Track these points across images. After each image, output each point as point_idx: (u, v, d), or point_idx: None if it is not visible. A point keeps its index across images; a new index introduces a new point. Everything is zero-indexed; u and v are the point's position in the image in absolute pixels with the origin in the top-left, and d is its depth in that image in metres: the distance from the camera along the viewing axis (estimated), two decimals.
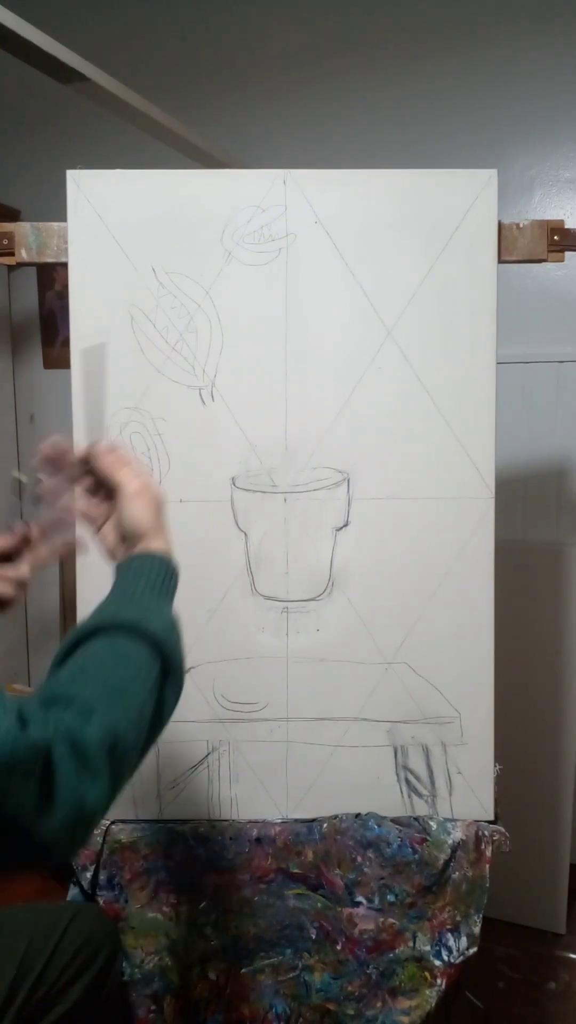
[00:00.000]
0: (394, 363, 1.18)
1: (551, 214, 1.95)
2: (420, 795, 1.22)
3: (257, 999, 1.18)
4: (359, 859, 1.17)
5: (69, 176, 1.17)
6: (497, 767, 1.22)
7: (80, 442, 1.18)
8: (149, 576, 0.81)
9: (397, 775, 1.22)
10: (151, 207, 1.17)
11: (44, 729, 0.61)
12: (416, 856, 1.16)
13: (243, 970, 1.19)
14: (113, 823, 1.21)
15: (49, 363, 2.50)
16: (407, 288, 1.17)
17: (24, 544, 0.92)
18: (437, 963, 1.15)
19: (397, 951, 1.16)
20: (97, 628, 0.73)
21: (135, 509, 0.85)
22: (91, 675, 0.69)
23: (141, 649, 0.72)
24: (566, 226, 1.19)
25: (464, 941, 1.15)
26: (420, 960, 1.15)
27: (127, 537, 0.85)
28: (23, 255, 1.20)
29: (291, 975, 1.18)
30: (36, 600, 2.62)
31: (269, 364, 1.18)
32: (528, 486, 2.00)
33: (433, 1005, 1.14)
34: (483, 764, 1.21)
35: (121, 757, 0.65)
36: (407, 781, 1.22)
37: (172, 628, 0.77)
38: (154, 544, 0.84)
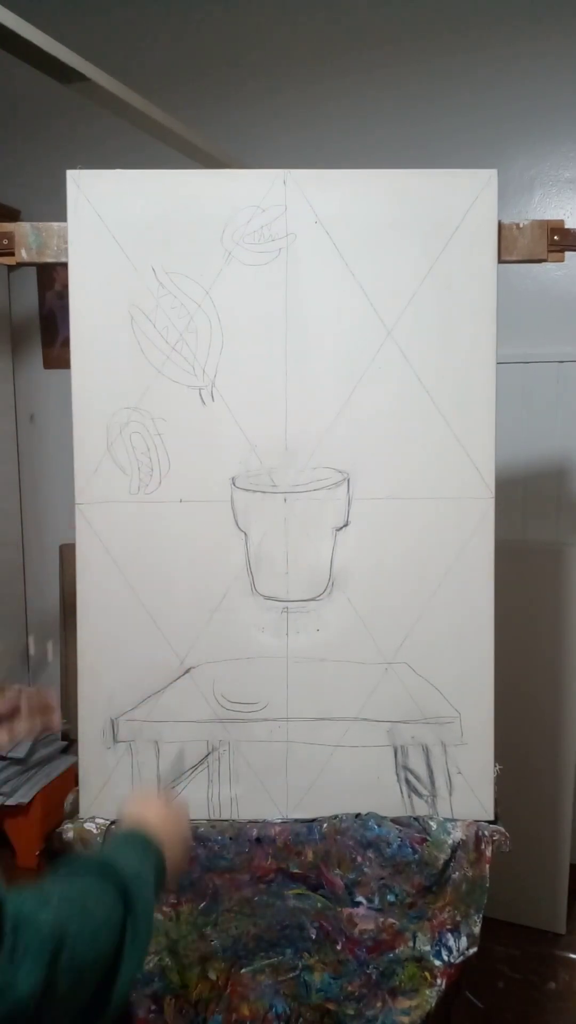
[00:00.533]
0: (394, 363, 1.18)
1: (551, 214, 1.95)
2: (420, 795, 1.22)
3: (257, 999, 1.18)
4: (359, 859, 1.17)
5: (69, 176, 1.17)
6: (497, 767, 1.22)
7: (80, 450, 1.19)
8: (134, 843, 0.84)
9: (397, 775, 1.22)
10: (151, 207, 1.17)
11: (14, 904, 0.61)
12: (416, 856, 1.16)
13: (243, 970, 1.19)
14: (113, 823, 1.21)
15: (49, 363, 2.50)
16: (407, 288, 1.17)
17: (12, 712, 1.00)
18: (437, 963, 1.15)
19: (397, 951, 1.16)
20: (72, 868, 0.76)
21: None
22: (57, 885, 0.71)
23: (108, 887, 0.72)
24: (566, 226, 1.19)
25: (464, 941, 1.15)
26: (420, 960, 1.15)
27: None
28: (23, 255, 1.20)
29: (291, 975, 1.18)
30: (36, 600, 2.62)
31: (269, 364, 1.18)
32: (528, 486, 2.00)
33: (433, 1005, 1.14)
34: (483, 764, 1.21)
35: (64, 967, 0.61)
36: (407, 781, 1.22)
37: (139, 875, 0.77)
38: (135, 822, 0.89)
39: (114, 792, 1.21)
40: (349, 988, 1.16)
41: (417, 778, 1.22)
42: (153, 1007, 1.18)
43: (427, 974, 1.15)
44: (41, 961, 0.59)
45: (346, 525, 1.20)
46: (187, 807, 0.97)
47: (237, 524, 1.20)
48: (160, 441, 1.19)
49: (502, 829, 1.18)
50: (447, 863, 1.15)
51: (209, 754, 1.23)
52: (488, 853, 1.17)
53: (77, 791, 1.23)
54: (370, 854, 1.17)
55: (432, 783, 1.22)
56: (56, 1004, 0.60)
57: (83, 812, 1.22)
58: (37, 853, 2.23)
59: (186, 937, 1.19)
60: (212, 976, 1.19)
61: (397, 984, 1.15)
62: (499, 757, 1.22)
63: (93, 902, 0.69)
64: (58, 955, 0.60)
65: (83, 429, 1.19)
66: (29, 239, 1.20)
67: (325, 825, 1.19)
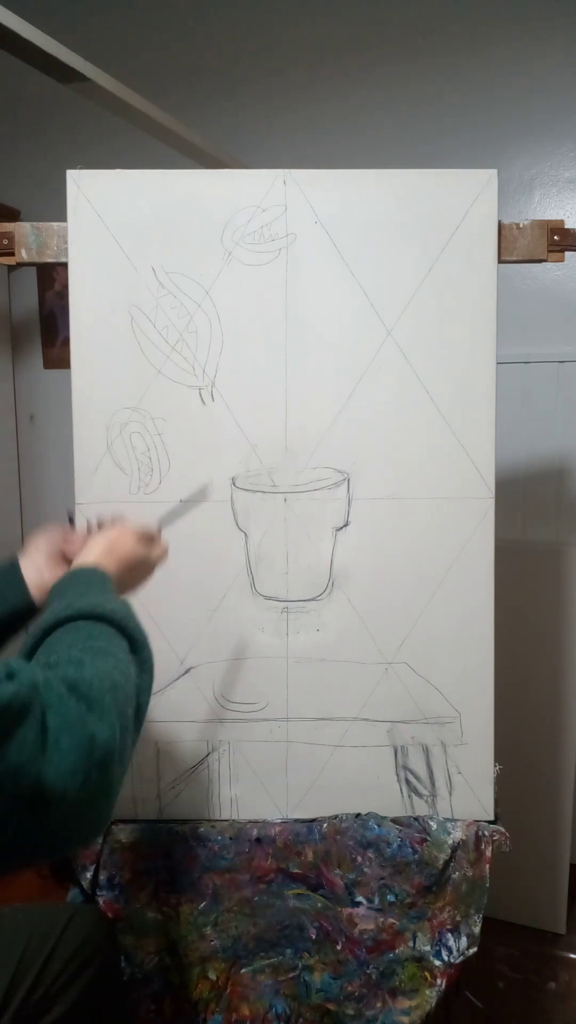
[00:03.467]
0: (394, 363, 1.18)
1: (551, 214, 1.95)
2: (420, 795, 1.22)
3: (257, 999, 1.18)
4: (359, 859, 1.17)
5: (69, 176, 1.17)
6: (497, 767, 1.22)
7: (80, 450, 1.19)
8: (90, 579, 0.86)
9: (397, 775, 1.22)
10: (151, 207, 1.17)
11: (32, 675, 0.61)
12: (416, 856, 1.16)
13: (243, 970, 1.19)
14: (113, 823, 1.21)
15: (49, 363, 2.50)
16: (407, 288, 1.17)
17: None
18: (437, 963, 1.15)
19: (397, 951, 1.16)
20: (57, 622, 0.75)
21: (89, 548, 0.93)
22: (70, 643, 0.72)
23: (106, 627, 0.75)
24: (566, 226, 1.19)
25: (464, 941, 1.15)
26: (420, 960, 1.15)
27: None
28: (23, 255, 1.20)
29: (291, 975, 1.18)
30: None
31: (269, 364, 1.18)
32: (528, 486, 2.00)
33: (433, 1005, 1.14)
34: (483, 764, 1.21)
35: (123, 706, 0.66)
36: (407, 781, 1.22)
37: (127, 610, 0.80)
38: (84, 561, 0.91)
39: None
40: (349, 988, 1.16)
41: (417, 778, 1.22)
42: (153, 1007, 1.18)
43: (427, 974, 1.15)
44: (108, 708, 0.63)
45: (346, 525, 1.20)
46: (127, 523, 1.00)
47: (237, 524, 1.20)
48: (160, 441, 1.20)
49: (502, 829, 1.18)
50: (447, 863, 1.15)
51: (209, 754, 1.23)
52: (488, 853, 1.17)
53: None
54: (370, 854, 1.17)
55: (432, 783, 1.22)
56: (125, 738, 0.66)
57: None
58: None
59: (186, 937, 1.19)
60: (212, 976, 1.19)
61: (397, 984, 1.15)
62: (499, 757, 1.22)
63: (109, 644, 0.72)
64: (117, 699, 0.65)
65: (83, 429, 1.19)
66: (29, 239, 1.20)
67: (325, 825, 1.19)
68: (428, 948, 1.15)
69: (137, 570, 0.95)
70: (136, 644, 0.77)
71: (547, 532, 1.99)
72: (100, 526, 1.03)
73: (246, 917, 1.19)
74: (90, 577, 0.86)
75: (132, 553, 0.94)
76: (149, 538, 1.00)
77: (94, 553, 0.91)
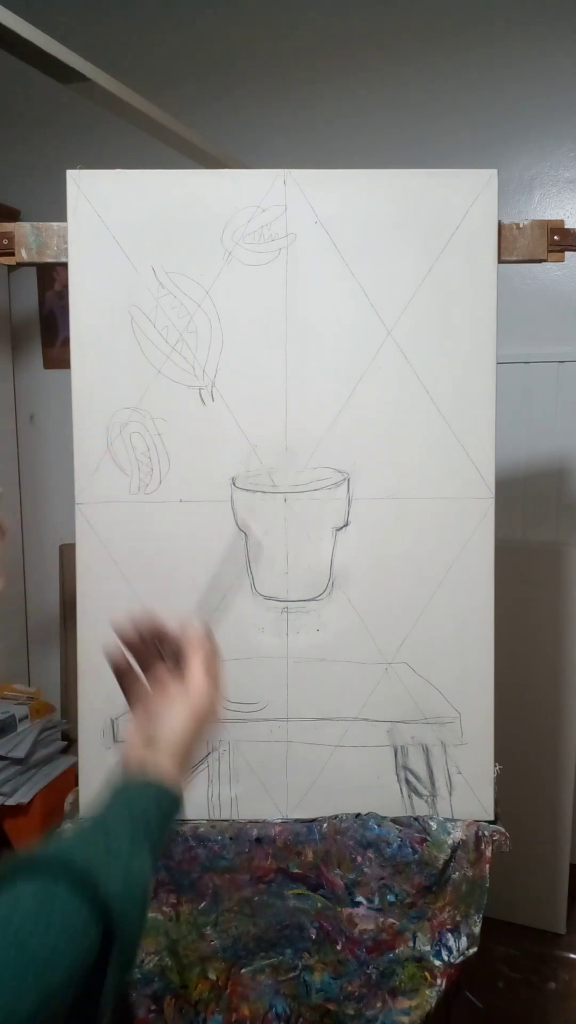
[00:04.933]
0: (394, 363, 1.18)
1: (551, 214, 1.95)
2: (420, 795, 1.22)
3: (257, 999, 1.18)
4: (359, 859, 1.17)
5: (69, 176, 1.17)
6: (497, 767, 1.22)
7: (80, 450, 1.18)
8: (146, 812, 0.64)
9: (397, 775, 1.22)
10: (151, 207, 1.17)
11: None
12: (416, 856, 1.16)
13: (243, 970, 1.19)
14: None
15: (49, 363, 2.50)
16: (407, 288, 1.17)
17: None
18: (437, 963, 1.15)
19: (397, 951, 1.16)
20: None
21: (178, 716, 0.72)
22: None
23: (73, 898, 0.53)
24: (566, 226, 1.19)
25: (464, 941, 1.15)
26: (420, 960, 1.15)
27: (150, 740, 0.72)
28: (23, 255, 1.20)
29: (291, 975, 1.18)
30: (36, 600, 2.62)
31: (269, 364, 1.18)
32: (528, 486, 2.00)
33: (433, 1005, 1.14)
34: (483, 764, 1.21)
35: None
36: (407, 781, 1.22)
37: (134, 888, 0.58)
38: (167, 769, 0.69)
39: None
40: (349, 988, 1.16)
41: (417, 778, 1.22)
42: (153, 1007, 1.18)
43: (427, 974, 1.15)
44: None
45: (346, 525, 1.20)
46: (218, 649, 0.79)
47: (237, 524, 1.20)
48: (160, 441, 1.19)
49: (502, 829, 1.18)
50: (447, 863, 1.15)
51: (209, 754, 1.23)
52: (488, 853, 1.17)
53: (77, 791, 1.23)
54: (370, 854, 1.17)
55: (432, 783, 1.22)
56: None
57: (83, 812, 1.21)
58: None
59: (186, 937, 1.19)
60: (212, 976, 1.19)
61: (397, 984, 1.15)
62: (499, 757, 1.22)
63: (56, 933, 0.50)
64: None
65: (83, 429, 1.19)
66: (29, 239, 1.20)
67: (325, 825, 1.19)
68: (428, 948, 1.15)
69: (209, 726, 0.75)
70: (113, 937, 0.53)
71: (547, 532, 1.99)
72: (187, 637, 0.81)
73: (246, 917, 1.19)
74: (147, 808, 0.65)
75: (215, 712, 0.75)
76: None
77: (180, 754, 0.70)
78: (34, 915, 0.50)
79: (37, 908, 0.50)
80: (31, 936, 0.49)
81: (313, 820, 1.21)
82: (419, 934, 1.16)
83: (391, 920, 1.16)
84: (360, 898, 1.17)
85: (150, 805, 0.65)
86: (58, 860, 0.55)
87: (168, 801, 0.67)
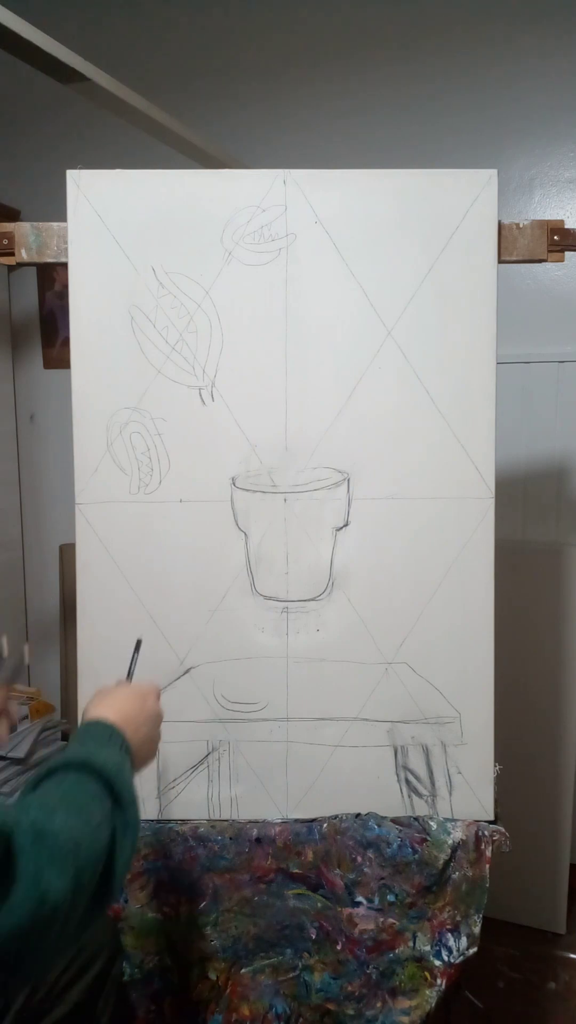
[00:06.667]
0: (394, 363, 1.18)
1: (551, 214, 1.95)
2: (420, 795, 1.22)
3: (257, 999, 1.18)
4: (359, 859, 1.17)
5: (69, 176, 1.17)
6: (497, 767, 1.22)
7: (80, 450, 1.18)
8: (96, 733, 0.86)
9: (397, 775, 1.22)
10: (151, 207, 1.17)
11: (4, 816, 0.62)
12: (416, 856, 1.16)
13: (243, 970, 1.19)
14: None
15: (49, 363, 2.50)
16: (407, 288, 1.17)
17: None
18: (437, 963, 1.15)
19: (397, 951, 1.16)
20: (50, 770, 0.76)
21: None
22: (50, 792, 0.73)
23: (91, 782, 0.75)
24: (566, 226, 1.19)
25: (464, 941, 1.15)
26: (420, 960, 1.15)
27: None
28: (23, 255, 1.20)
29: (291, 975, 1.18)
30: (36, 600, 2.62)
31: (269, 364, 1.18)
32: (528, 486, 2.00)
33: (433, 1005, 1.14)
34: (483, 764, 1.21)
35: (82, 867, 0.65)
36: (407, 781, 1.22)
37: (120, 766, 0.80)
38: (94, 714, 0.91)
39: None
40: (349, 988, 1.16)
41: (417, 778, 1.22)
42: (153, 1007, 1.18)
43: (427, 974, 1.15)
44: (67, 865, 0.64)
45: (346, 525, 1.20)
46: (155, 690, 0.99)
47: (237, 524, 1.20)
48: (160, 441, 1.20)
49: (502, 829, 1.18)
50: (447, 863, 1.15)
51: (209, 754, 1.23)
52: (488, 853, 1.17)
53: None
54: (370, 854, 1.17)
55: (432, 783, 1.22)
56: (78, 901, 0.65)
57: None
58: None
59: (186, 937, 1.19)
60: (212, 976, 1.19)
61: (397, 984, 1.15)
62: (499, 757, 1.22)
63: (87, 800, 0.72)
64: (78, 859, 0.65)
65: (83, 429, 1.19)
66: (29, 239, 1.20)
67: (325, 825, 1.19)
68: (428, 948, 1.15)
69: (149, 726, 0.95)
70: (121, 801, 0.75)
71: (547, 532, 1.99)
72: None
73: (246, 917, 1.19)
74: (98, 730, 0.86)
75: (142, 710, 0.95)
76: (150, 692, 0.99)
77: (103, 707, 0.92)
78: (79, 789, 0.73)
79: (79, 787, 0.73)
80: (87, 803, 0.72)
81: (313, 820, 1.21)
82: (419, 934, 1.16)
83: (391, 920, 1.16)
84: (360, 898, 1.17)
85: (99, 729, 0.87)
86: (78, 758, 0.77)
87: (103, 726, 0.88)
